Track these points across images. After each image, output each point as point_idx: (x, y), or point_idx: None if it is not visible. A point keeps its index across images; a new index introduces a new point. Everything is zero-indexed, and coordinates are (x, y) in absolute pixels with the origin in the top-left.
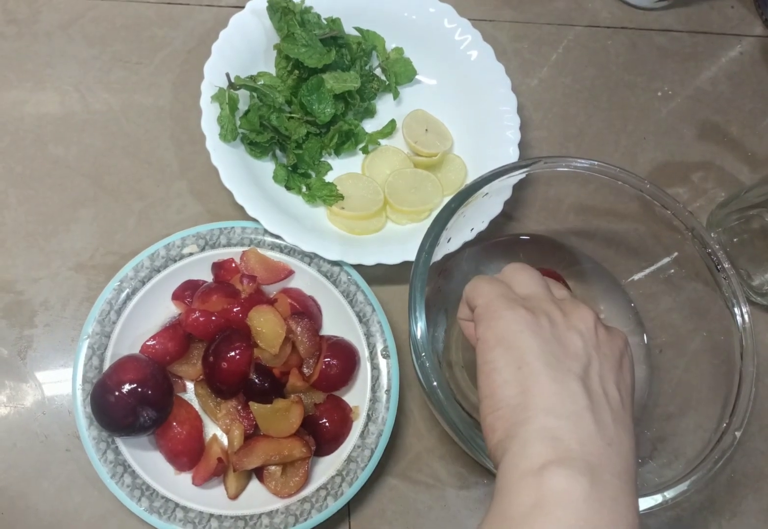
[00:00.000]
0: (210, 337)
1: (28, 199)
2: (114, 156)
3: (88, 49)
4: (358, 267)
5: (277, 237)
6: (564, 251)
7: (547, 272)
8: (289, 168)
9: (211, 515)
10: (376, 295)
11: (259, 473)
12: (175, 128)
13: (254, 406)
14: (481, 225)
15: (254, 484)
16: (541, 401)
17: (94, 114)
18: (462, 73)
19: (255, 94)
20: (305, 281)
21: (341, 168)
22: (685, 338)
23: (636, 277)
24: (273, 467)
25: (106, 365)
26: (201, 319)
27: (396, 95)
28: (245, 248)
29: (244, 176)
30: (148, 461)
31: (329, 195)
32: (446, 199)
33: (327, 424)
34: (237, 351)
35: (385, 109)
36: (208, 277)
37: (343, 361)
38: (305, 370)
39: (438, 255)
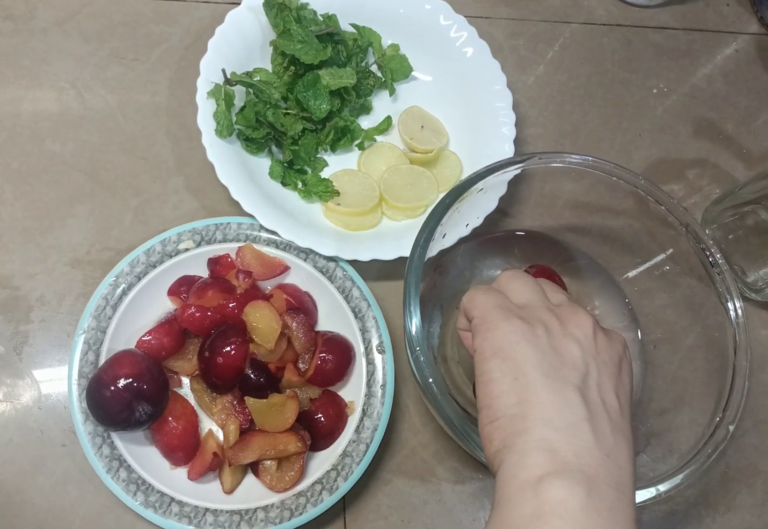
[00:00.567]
0: (206, 332)
1: (24, 194)
2: (110, 152)
3: (84, 45)
4: (354, 263)
5: (273, 233)
6: (559, 247)
7: (542, 268)
8: (285, 164)
9: (207, 510)
10: (371, 290)
11: (254, 467)
12: (171, 124)
13: (250, 401)
14: (476, 221)
15: (250, 478)
16: (539, 411)
17: (91, 110)
18: (458, 70)
19: (251, 91)
20: (301, 276)
21: (337, 164)
22: (680, 333)
23: (631, 273)
24: (268, 462)
25: (102, 360)
26: (197, 314)
27: (392, 92)
28: (241, 244)
29: (240, 172)
30: (144, 456)
31: (325, 191)
32: (442, 196)
33: (322, 419)
34: (232, 346)
35: (381, 105)
36: (203, 272)
37: (338, 356)
38: (301, 365)
39: (433, 251)
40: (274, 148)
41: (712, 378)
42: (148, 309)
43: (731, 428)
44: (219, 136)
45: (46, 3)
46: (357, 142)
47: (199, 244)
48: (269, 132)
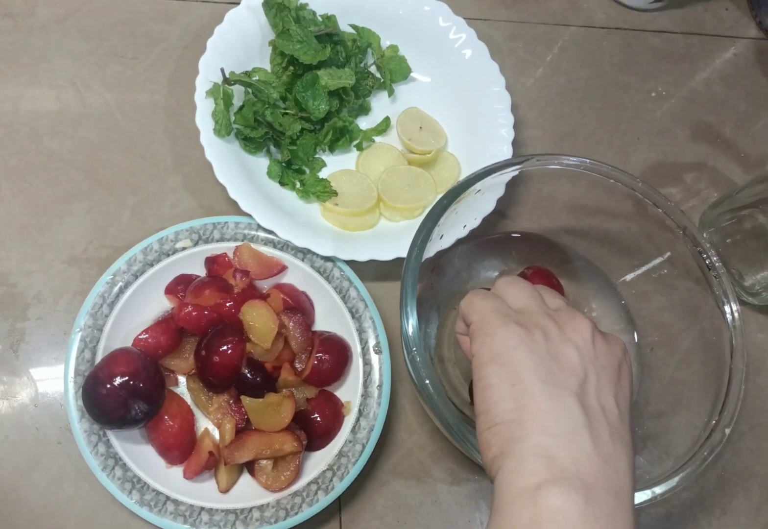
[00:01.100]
0: (202, 331)
1: (22, 191)
2: (109, 150)
3: (83, 43)
4: (351, 263)
5: (271, 232)
6: (556, 250)
7: (539, 269)
8: (283, 164)
9: (202, 509)
10: (368, 291)
11: (250, 467)
12: (169, 123)
13: (246, 400)
14: (474, 222)
15: (245, 478)
16: (537, 418)
17: (90, 108)
18: (456, 72)
19: (250, 90)
20: (298, 276)
21: (335, 165)
22: (677, 336)
23: (628, 276)
24: (264, 461)
25: (99, 359)
26: (194, 313)
27: (390, 93)
28: (238, 243)
29: (238, 171)
30: (140, 454)
31: (323, 191)
32: (439, 197)
33: (318, 419)
34: (229, 345)
35: (380, 106)
36: (201, 271)
37: (335, 356)
38: (297, 365)
39: (430, 251)
40: (272, 148)
41: (709, 381)
42: (145, 307)
43: (727, 431)
44: (217, 136)
45: (46, 0)
46: (355, 142)
47: (196, 243)
48: (267, 132)
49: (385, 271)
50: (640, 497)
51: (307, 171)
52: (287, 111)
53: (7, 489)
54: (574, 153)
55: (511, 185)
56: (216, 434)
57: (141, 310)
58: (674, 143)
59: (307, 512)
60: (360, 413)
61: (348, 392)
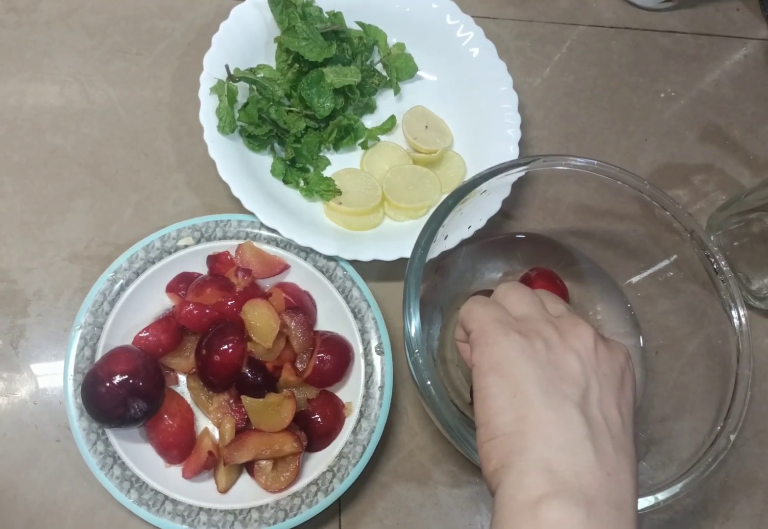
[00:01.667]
0: (203, 330)
1: (23, 188)
2: (111, 147)
3: (87, 39)
4: (354, 263)
5: (273, 231)
6: (562, 251)
7: (544, 271)
8: (287, 162)
9: (201, 509)
10: (371, 291)
11: (249, 467)
12: (173, 120)
13: (246, 400)
14: (479, 223)
15: (245, 478)
16: (538, 429)
17: (93, 104)
18: (463, 70)
19: (254, 87)
20: (301, 275)
21: (340, 163)
22: (682, 340)
23: (634, 279)
24: (264, 462)
25: (98, 356)
26: (195, 311)
27: (396, 91)
28: (241, 242)
29: (242, 169)
30: (138, 453)
31: (327, 190)
32: (444, 197)
33: (319, 419)
34: (230, 345)
35: (385, 104)
36: (202, 269)
37: (336, 357)
38: (298, 365)
39: (434, 252)
40: (276, 146)
41: (714, 386)
42: (145, 305)
43: (732, 437)
44: (221, 133)
45: None
46: (360, 141)
47: (198, 241)
48: (272, 129)
49: (388, 271)
50: (643, 503)
51: (311, 169)
52: (292, 109)
53: (4, 486)
54: (580, 154)
55: (517, 186)
56: (216, 433)
57: (142, 308)
58: (682, 145)
59: (306, 514)
60: (361, 414)
61: (349, 392)
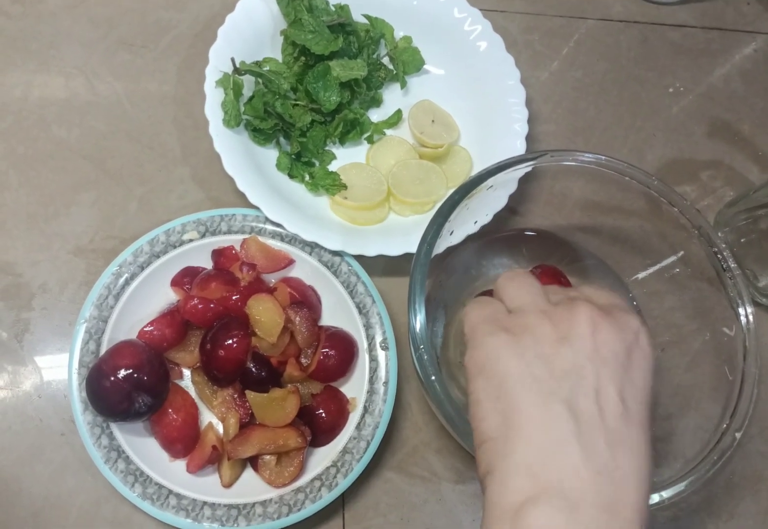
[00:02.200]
0: (208, 324)
1: (29, 180)
2: (117, 140)
3: (93, 31)
4: (360, 258)
5: (279, 225)
6: (568, 247)
7: (548, 268)
8: (293, 156)
9: (205, 503)
10: (376, 286)
11: (253, 462)
12: (178, 113)
13: (250, 395)
14: (485, 218)
15: (248, 473)
16: (522, 432)
17: (98, 97)
18: (471, 64)
19: (260, 80)
20: (305, 270)
21: (345, 157)
22: (688, 337)
23: (641, 275)
24: (268, 457)
25: (103, 350)
26: (199, 306)
27: (403, 85)
28: (246, 236)
29: (247, 163)
30: (143, 448)
31: (332, 184)
32: (451, 192)
33: (323, 415)
34: (235, 339)
35: (392, 98)
36: (207, 264)
37: (341, 352)
38: (303, 360)
39: (440, 247)
40: (281, 140)
41: (720, 384)
42: (150, 299)
43: (738, 435)
44: (226, 126)
45: None
46: (366, 135)
47: (203, 235)
48: (277, 123)
49: (393, 266)
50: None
51: (317, 164)
52: (298, 102)
53: (8, 480)
54: (588, 149)
55: (524, 181)
56: (220, 428)
57: (146, 302)
58: (690, 140)
59: (310, 509)
60: (365, 409)
61: (353, 388)
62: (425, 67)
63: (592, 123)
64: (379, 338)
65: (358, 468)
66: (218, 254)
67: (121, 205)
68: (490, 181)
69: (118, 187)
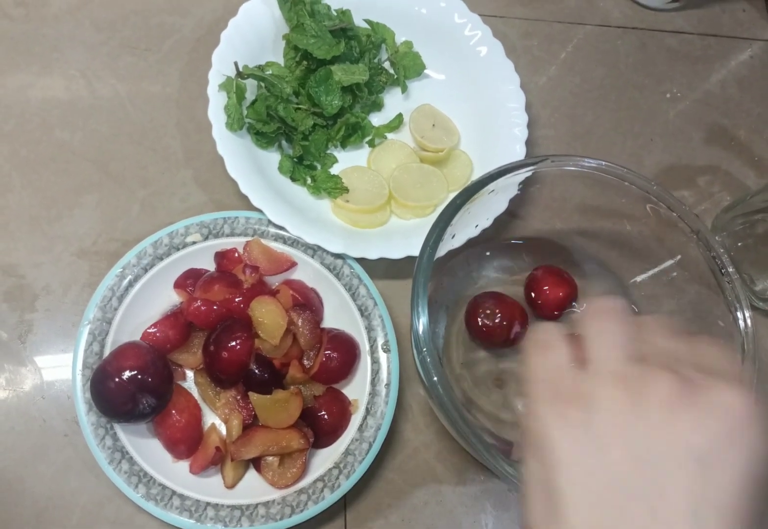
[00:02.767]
0: (211, 326)
1: (31, 183)
2: (119, 142)
3: (96, 34)
4: (361, 260)
5: (281, 228)
6: (568, 251)
7: (549, 269)
8: (295, 159)
9: (208, 504)
10: (378, 289)
11: (256, 463)
12: (181, 116)
13: (253, 396)
14: (486, 222)
15: (251, 474)
16: None
17: (101, 100)
18: (471, 69)
19: (263, 84)
20: (308, 273)
21: (347, 161)
22: None
23: (639, 278)
24: (270, 458)
25: (107, 352)
26: (202, 308)
27: (404, 89)
28: (249, 238)
29: (250, 166)
30: (146, 448)
31: (334, 188)
32: (451, 195)
33: (326, 416)
34: (238, 341)
35: (393, 102)
36: (210, 266)
37: (343, 354)
38: (305, 362)
39: (442, 251)
40: (284, 143)
41: None
42: (153, 301)
43: None
44: (229, 130)
45: None
46: (367, 139)
47: (206, 238)
48: (280, 127)
49: (395, 269)
50: None
51: (319, 167)
52: (300, 106)
53: (12, 480)
54: (586, 154)
55: (524, 185)
56: (223, 429)
57: (150, 303)
58: (688, 146)
59: (312, 510)
60: (367, 411)
61: (356, 390)
62: (426, 71)
63: (591, 128)
64: (380, 341)
65: (360, 469)
66: (221, 257)
67: (124, 208)
68: (492, 185)
69: (120, 189)
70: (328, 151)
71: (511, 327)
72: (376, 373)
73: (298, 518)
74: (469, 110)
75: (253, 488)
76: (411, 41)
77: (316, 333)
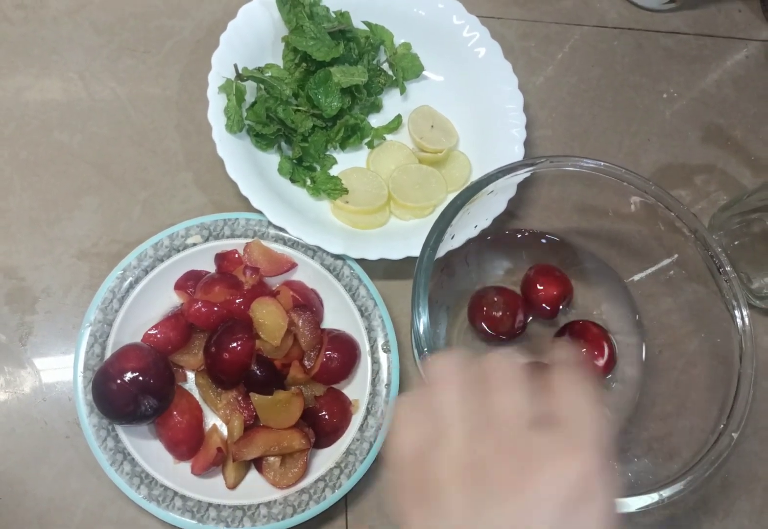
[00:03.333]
0: (212, 327)
1: (32, 185)
2: (119, 145)
3: (95, 36)
4: (361, 261)
5: (281, 229)
6: (566, 250)
7: (543, 267)
8: (295, 161)
9: (210, 504)
10: (378, 289)
11: (258, 463)
12: (181, 118)
13: (255, 397)
14: (485, 222)
15: (253, 474)
16: None
17: (101, 102)
18: (469, 70)
19: (262, 86)
20: (308, 273)
21: (346, 162)
22: (684, 339)
23: (637, 277)
24: (272, 458)
25: (108, 353)
26: (203, 309)
27: (403, 90)
28: (249, 240)
29: (250, 168)
30: (148, 450)
31: (334, 189)
32: (450, 196)
33: (327, 416)
34: (239, 342)
35: (392, 104)
36: (211, 267)
37: (343, 354)
38: (306, 362)
39: (441, 251)
40: (283, 145)
41: (716, 384)
42: (154, 303)
43: (735, 435)
44: (229, 131)
45: None
46: (367, 140)
47: (207, 239)
48: (279, 128)
49: (394, 269)
50: (647, 500)
51: (318, 168)
52: (299, 108)
53: (13, 482)
54: (584, 154)
55: (522, 186)
56: (224, 430)
57: (151, 305)
58: (684, 145)
59: (314, 510)
60: (368, 411)
61: (356, 390)
62: (424, 73)
63: (588, 128)
64: (381, 341)
65: (361, 469)
66: (221, 258)
67: (125, 210)
68: (491, 186)
69: (121, 191)
70: (328, 153)
71: (515, 316)
72: (376, 373)
73: (300, 517)
74: (467, 111)
75: (255, 488)
76: (409, 43)
77: (317, 334)
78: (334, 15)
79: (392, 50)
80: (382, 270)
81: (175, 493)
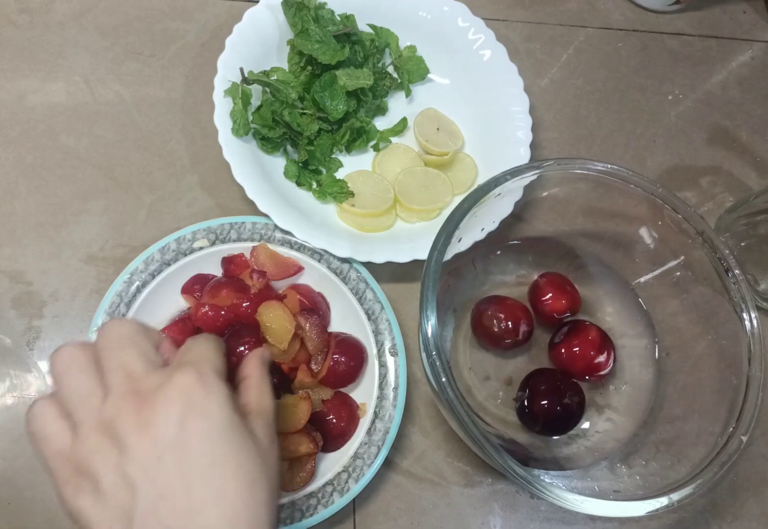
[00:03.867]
0: (219, 331)
1: (38, 189)
2: (125, 148)
3: (100, 40)
4: (368, 264)
5: (288, 233)
6: (572, 253)
7: (553, 277)
8: (300, 164)
9: None
10: (384, 293)
11: None
12: (186, 122)
13: None
14: (492, 225)
15: None
16: None
17: (106, 105)
18: (474, 73)
19: (268, 90)
20: (314, 277)
21: (352, 165)
22: (691, 341)
23: (643, 279)
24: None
25: None
26: (210, 313)
27: (408, 93)
28: (255, 243)
29: (256, 171)
30: None
31: (340, 192)
32: (456, 199)
33: (334, 420)
34: (246, 346)
35: (397, 107)
36: (217, 271)
37: (351, 358)
38: (313, 366)
39: (448, 254)
40: (289, 148)
41: (724, 387)
42: (161, 307)
43: (744, 438)
44: (235, 135)
45: None
46: (372, 143)
47: (213, 243)
48: (285, 132)
49: (401, 273)
50: (656, 504)
51: (324, 171)
52: (305, 111)
53: (22, 487)
54: (590, 156)
55: (528, 188)
56: None
57: (158, 309)
58: (690, 147)
59: (322, 514)
60: (375, 415)
61: (363, 393)
62: (430, 75)
63: (594, 130)
64: (388, 344)
65: (369, 473)
66: (228, 262)
67: (131, 214)
68: (498, 189)
69: (127, 195)
70: (333, 156)
71: (518, 328)
72: (383, 376)
73: (308, 522)
74: (473, 114)
75: None
76: (415, 45)
77: (324, 337)
78: (339, 18)
79: (397, 53)
80: (388, 273)
81: None
